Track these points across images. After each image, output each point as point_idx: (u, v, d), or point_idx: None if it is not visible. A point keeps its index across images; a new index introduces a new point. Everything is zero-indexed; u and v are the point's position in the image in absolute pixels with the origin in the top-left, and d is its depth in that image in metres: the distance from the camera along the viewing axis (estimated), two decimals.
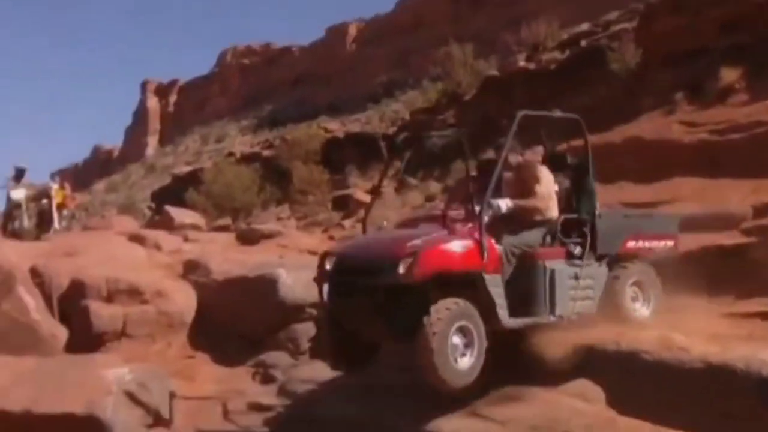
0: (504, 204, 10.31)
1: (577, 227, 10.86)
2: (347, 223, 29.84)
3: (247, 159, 52.61)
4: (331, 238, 24.28)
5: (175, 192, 44.93)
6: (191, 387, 12.63)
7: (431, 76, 58.70)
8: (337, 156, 47.74)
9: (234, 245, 19.69)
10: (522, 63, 42.44)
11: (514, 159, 10.89)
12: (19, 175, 25.08)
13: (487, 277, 9.79)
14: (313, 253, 17.20)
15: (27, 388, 12.26)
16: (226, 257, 17.67)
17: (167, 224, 25.18)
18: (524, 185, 10.75)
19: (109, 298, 15.91)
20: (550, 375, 10.25)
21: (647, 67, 29.21)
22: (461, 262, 9.70)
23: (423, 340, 9.33)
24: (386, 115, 65.16)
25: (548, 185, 10.81)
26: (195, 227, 25.16)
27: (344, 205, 36.08)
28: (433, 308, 9.37)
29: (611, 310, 11.07)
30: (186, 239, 21.24)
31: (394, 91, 79.93)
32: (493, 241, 10.03)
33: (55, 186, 25.80)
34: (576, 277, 10.66)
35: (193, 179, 46.23)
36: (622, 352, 10.27)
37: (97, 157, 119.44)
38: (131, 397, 12.08)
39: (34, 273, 16.67)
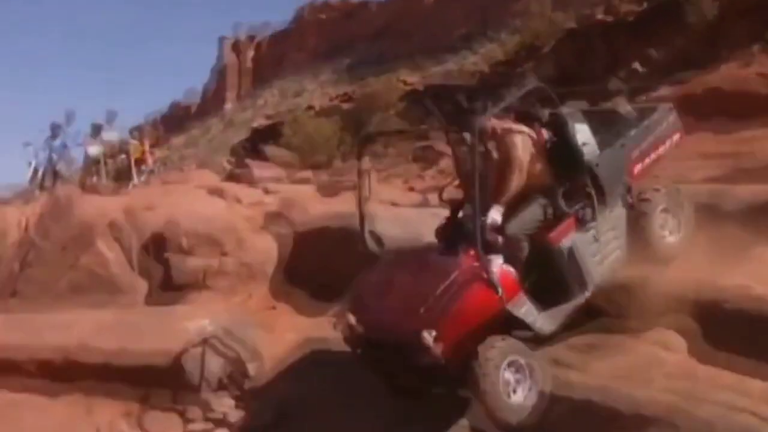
0: (497, 214, 9.57)
1: (577, 189, 10.10)
2: (428, 173, 29.55)
3: (327, 112, 52.12)
4: (411, 189, 23.94)
5: (255, 145, 44.78)
6: (272, 337, 12.45)
7: (509, 29, 57.95)
8: (417, 108, 47.33)
9: (315, 197, 19.41)
10: (600, 15, 41.69)
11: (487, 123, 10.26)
12: (96, 131, 25.13)
13: (510, 308, 9.32)
14: (395, 204, 16.88)
15: (108, 341, 12.26)
16: (307, 209, 17.44)
17: (247, 177, 24.95)
18: (504, 155, 9.92)
19: (190, 251, 15.79)
20: (631, 324, 10.01)
21: (724, 19, 28.50)
22: (481, 312, 9.19)
23: (474, 383, 9.02)
24: (465, 68, 64.48)
25: (525, 149, 9.92)
26: (275, 180, 24.95)
27: (424, 156, 35.74)
28: (480, 348, 9.02)
29: (641, 246, 10.62)
30: (266, 191, 21.03)
31: (473, 43, 79.02)
32: (498, 262, 9.38)
33: (133, 141, 25.79)
34: (596, 239, 10.11)
35: (272, 133, 45.91)
36: (703, 302, 9.87)
37: (175, 112, 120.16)
38: (213, 347, 11.94)
39: (114, 227, 16.63)
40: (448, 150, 15.08)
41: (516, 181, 9.66)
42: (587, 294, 9.95)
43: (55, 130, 24.62)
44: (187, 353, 11.80)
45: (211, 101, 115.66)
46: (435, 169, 24.85)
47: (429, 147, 36.38)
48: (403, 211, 15.01)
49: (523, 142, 9.82)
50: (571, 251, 9.83)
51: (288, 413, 11.11)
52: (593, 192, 9.94)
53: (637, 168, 10.73)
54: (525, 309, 9.42)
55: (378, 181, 27.89)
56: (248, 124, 65.24)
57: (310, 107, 56.07)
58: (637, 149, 10.78)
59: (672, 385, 9.29)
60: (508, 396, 9.17)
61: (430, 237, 10.62)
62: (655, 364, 9.60)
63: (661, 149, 11.04)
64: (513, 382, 9.24)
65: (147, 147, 27.19)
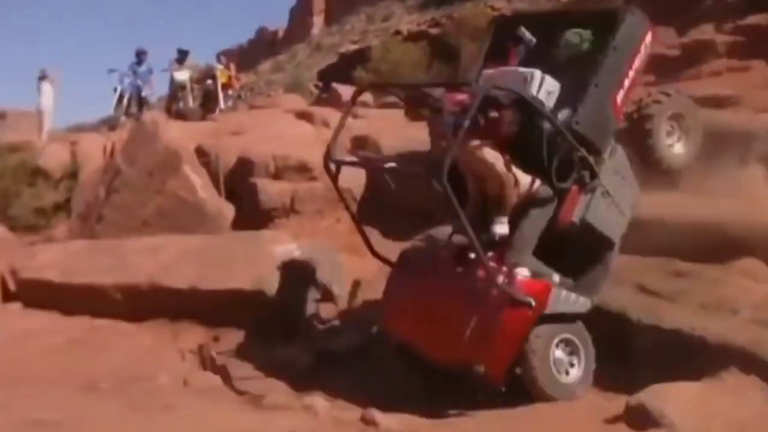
0: (503, 227, 9.13)
1: (567, 157, 9.29)
2: None
3: (414, 37, 51.64)
4: None
5: (342, 70, 44.42)
6: (359, 262, 12.21)
7: None
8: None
9: (403, 122, 19.10)
10: None
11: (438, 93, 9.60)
12: (182, 57, 25.06)
13: (549, 311, 9.02)
14: None
15: (194, 266, 12.16)
16: (395, 133, 17.16)
17: (335, 102, 24.72)
18: (484, 174, 9.33)
19: (277, 175, 15.70)
20: (718, 253, 9.93)
21: None
22: (522, 330, 8.87)
23: (524, 362, 8.91)
24: None
25: (498, 158, 9.19)
26: (363, 104, 24.72)
27: None
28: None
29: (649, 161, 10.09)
30: (354, 116, 20.81)
31: None
32: (524, 273, 9.01)
33: (219, 67, 25.64)
34: (606, 194, 9.55)
35: (360, 57, 45.67)
36: None
37: (261, 38, 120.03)
38: (299, 272, 11.76)
39: (200, 152, 16.61)
40: None
41: (512, 193, 9.17)
42: (616, 249, 9.76)
43: (140, 55, 24.56)
44: (272, 278, 11.62)
45: (298, 26, 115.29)
46: None
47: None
48: None
49: (493, 155, 9.19)
50: (584, 220, 9.42)
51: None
52: (584, 151, 9.21)
53: (620, 97, 9.76)
54: (562, 301, 9.19)
55: None
56: (336, 49, 64.94)
57: (398, 32, 55.59)
58: (613, 79, 9.69)
59: (759, 315, 9.26)
60: (560, 374, 9.09)
61: None
62: (743, 294, 9.56)
63: (638, 61, 9.93)
64: (566, 362, 9.17)
65: (233, 71, 27.09)
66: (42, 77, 24.39)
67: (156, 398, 9.24)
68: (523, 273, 8.95)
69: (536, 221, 9.24)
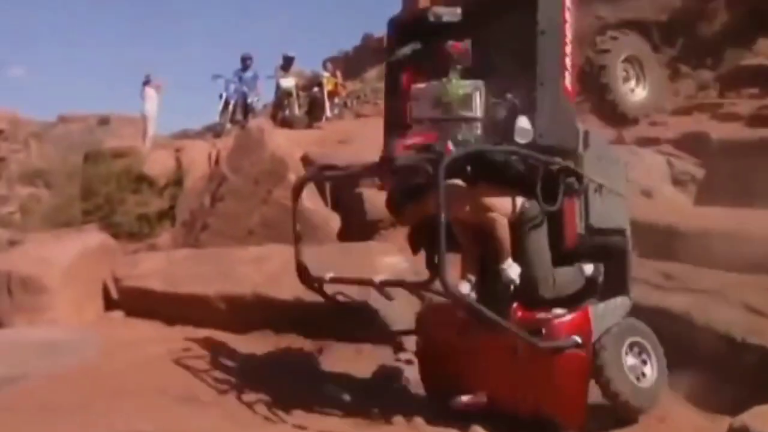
0: (514, 271, 8.36)
1: (546, 175, 8.42)
2: None
3: None
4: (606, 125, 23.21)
5: None
6: None
7: None
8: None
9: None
10: None
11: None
12: (287, 63, 25.02)
13: (599, 345, 8.60)
14: None
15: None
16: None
17: None
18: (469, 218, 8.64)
19: (383, 186, 15.39)
20: None
21: None
22: (581, 370, 8.42)
23: (598, 376, 8.54)
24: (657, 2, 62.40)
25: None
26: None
27: None
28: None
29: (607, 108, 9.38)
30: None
31: None
32: (559, 313, 8.44)
33: (326, 74, 25.53)
34: (600, 186, 8.86)
35: None
36: None
37: (367, 44, 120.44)
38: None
39: (306, 160, 16.50)
40: None
41: (506, 233, 8.39)
42: (629, 234, 9.34)
43: (245, 61, 24.49)
44: (379, 290, 11.35)
45: None
46: None
47: None
48: None
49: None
50: (590, 227, 8.80)
51: None
52: (560, 161, 8.41)
53: (568, 81, 8.69)
54: (605, 315, 8.76)
55: None
56: None
57: None
58: (555, 67, 8.60)
59: None
60: (639, 381, 8.75)
61: None
62: None
63: (569, 32, 8.71)
64: (639, 365, 8.84)
65: (340, 79, 26.99)
66: (146, 82, 24.47)
67: (256, 411, 9.10)
68: (556, 313, 8.43)
69: (539, 245, 8.56)
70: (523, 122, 8.16)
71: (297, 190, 10.09)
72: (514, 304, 8.38)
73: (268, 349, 11.50)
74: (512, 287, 8.36)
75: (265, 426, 8.64)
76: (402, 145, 8.46)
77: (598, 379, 8.54)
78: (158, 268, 13.34)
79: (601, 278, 9.03)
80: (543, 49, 8.46)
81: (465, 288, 8.50)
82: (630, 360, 8.72)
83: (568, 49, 8.73)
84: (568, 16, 8.74)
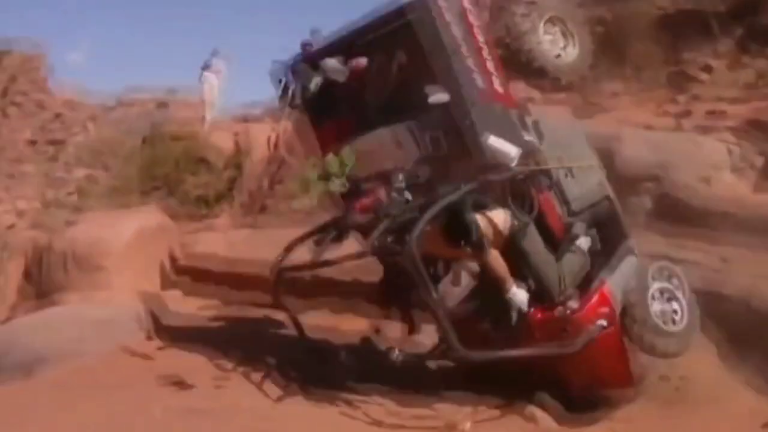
0: (522, 294, 8.21)
1: (515, 189, 8.34)
2: (681, 97, 28.52)
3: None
4: (666, 113, 22.99)
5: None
6: None
7: None
8: (671, 32, 45.79)
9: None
10: None
11: None
12: None
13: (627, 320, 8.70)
14: (648, 127, 15.97)
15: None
16: None
17: None
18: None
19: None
20: None
21: None
22: (616, 345, 8.53)
23: (626, 318, 8.63)
24: None
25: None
26: (528, 100, 24.40)
27: (677, 81, 34.56)
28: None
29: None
30: None
31: None
32: (571, 304, 8.38)
33: None
34: (568, 169, 8.81)
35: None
36: None
37: None
38: None
39: None
40: (700, 75, 14.56)
41: (500, 261, 8.18)
42: (614, 196, 9.56)
43: (305, 47, 24.42)
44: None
45: None
46: (689, 95, 23.59)
47: (682, 72, 35.04)
48: (655, 134, 14.25)
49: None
50: (573, 212, 8.79)
51: None
52: (521, 171, 8.18)
53: (497, 84, 8.40)
54: (622, 283, 8.79)
55: (631, 103, 27.06)
56: None
57: None
58: (474, 82, 8.24)
59: None
60: (666, 324, 8.74)
61: (680, 163, 11.14)
62: None
63: (479, 35, 8.42)
64: (670, 311, 8.85)
65: None
66: (205, 66, 24.48)
67: (310, 392, 9.24)
68: (571, 306, 8.35)
69: (536, 248, 8.51)
70: (497, 143, 8.02)
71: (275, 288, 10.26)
72: (532, 309, 8.31)
73: (327, 328, 11.48)
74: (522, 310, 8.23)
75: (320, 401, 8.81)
76: (359, 205, 8.51)
77: (628, 333, 8.57)
78: (216, 248, 13.42)
79: (598, 244, 9.02)
80: (453, 71, 8.14)
81: (522, 295, 8.24)
82: (657, 306, 8.72)
83: (485, 53, 8.43)
84: (471, 18, 8.49)
